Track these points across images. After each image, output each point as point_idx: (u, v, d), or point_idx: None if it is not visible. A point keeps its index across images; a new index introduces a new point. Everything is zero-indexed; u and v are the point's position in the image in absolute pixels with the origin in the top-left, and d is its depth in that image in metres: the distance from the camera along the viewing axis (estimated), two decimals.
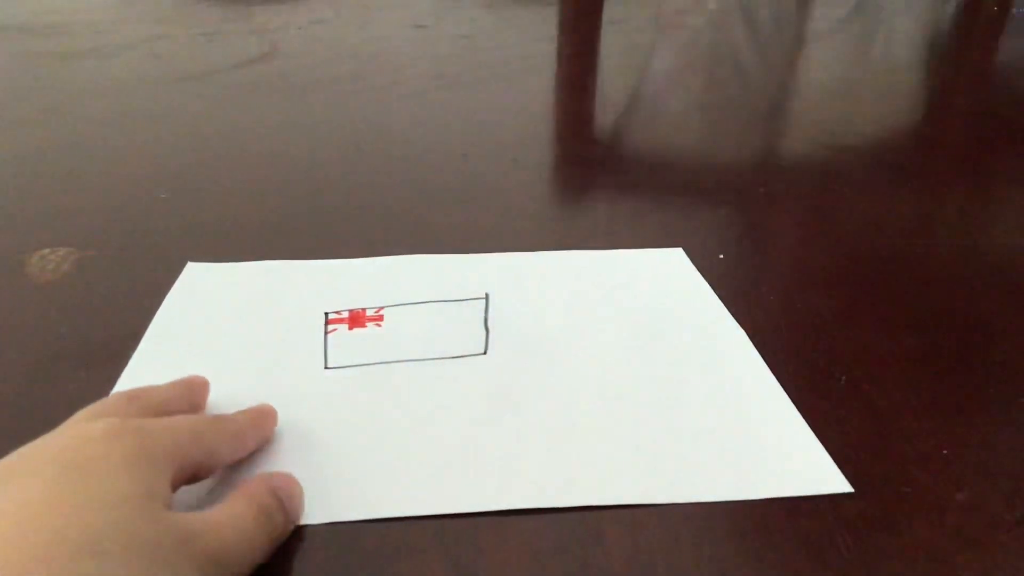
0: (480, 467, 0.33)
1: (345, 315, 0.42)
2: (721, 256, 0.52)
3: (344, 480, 0.32)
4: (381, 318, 0.43)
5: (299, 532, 0.30)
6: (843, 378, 0.40)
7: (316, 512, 0.30)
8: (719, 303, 0.46)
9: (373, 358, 0.39)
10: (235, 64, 0.93)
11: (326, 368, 0.39)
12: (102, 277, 0.47)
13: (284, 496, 0.29)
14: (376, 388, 0.37)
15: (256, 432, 0.33)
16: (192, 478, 0.29)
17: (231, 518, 0.27)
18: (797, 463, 0.34)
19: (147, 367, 0.38)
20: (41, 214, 0.54)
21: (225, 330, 0.41)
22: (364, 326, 0.42)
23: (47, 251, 0.49)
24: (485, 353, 0.40)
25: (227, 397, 0.36)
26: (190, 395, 0.34)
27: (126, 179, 0.60)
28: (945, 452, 0.35)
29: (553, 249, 0.51)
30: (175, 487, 0.27)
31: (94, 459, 0.25)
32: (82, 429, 0.27)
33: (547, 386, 0.38)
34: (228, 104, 0.79)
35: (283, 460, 0.33)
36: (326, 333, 0.40)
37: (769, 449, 0.35)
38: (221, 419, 0.32)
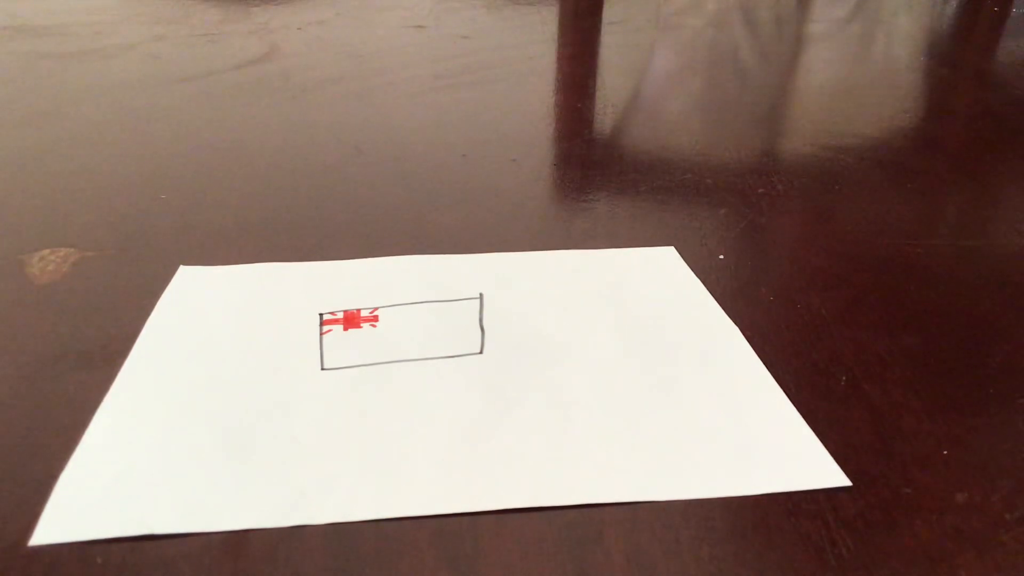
0: (478, 467, 0.33)
1: (340, 316, 0.42)
2: (721, 257, 0.52)
3: (343, 481, 0.32)
4: (376, 319, 0.43)
5: (299, 532, 0.30)
6: (843, 378, 0.40)
7: (316, 513, 0.31)
8: (712, 299, 0.46)
9: (369, 359, 0.39)
10: (235, 64, 0.93)
11: (322, 369, 0.39)
12: (102, 278, 0.47)
13: None
14: (373, 389, 0.37)
15: None
16: None
17: None
18: (793, 457, 0.34)
19: (142, 372, 0.38)
20: (41, 214, 0.54)
21: (220, 333, 0.41)
22: (359, 327, 0.42)
23: (47, 251, 0.49)
24: (481, 353, 0.40)
25: (224, 400, 0.36)
26: None
27: (126, 180, 0.60)
28: (945, 452, 0.35)
29: (553, 249, 0.51)
30: None
31: None
32: None
33: (543, 385, 0.38)
34: (228, 104, 0.79)
35: (283, 462, 0.33)
36: (321, 334, 0.40)
37: (765, 443, 0.35)
38: None
